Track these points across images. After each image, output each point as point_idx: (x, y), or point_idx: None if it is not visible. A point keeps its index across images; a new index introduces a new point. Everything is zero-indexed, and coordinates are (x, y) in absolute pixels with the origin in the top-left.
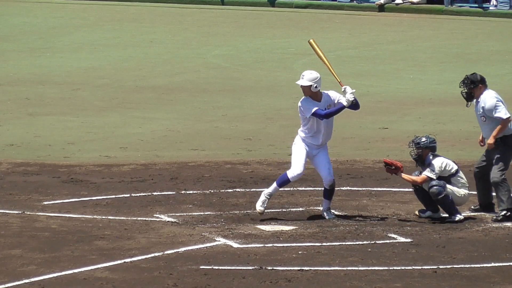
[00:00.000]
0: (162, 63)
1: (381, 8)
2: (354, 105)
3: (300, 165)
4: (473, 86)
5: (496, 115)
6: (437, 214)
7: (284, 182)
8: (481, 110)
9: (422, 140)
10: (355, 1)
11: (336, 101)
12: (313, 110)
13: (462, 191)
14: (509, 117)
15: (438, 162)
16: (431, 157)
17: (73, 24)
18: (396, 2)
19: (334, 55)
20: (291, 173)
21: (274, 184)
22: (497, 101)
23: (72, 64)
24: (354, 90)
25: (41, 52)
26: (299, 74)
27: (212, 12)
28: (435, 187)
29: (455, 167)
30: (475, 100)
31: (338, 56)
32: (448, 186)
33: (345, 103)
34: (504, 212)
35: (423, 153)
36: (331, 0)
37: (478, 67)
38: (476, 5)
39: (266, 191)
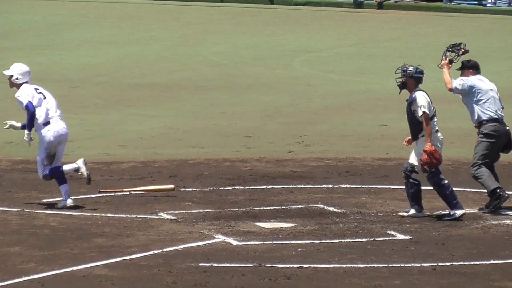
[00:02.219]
0: (161, 60)
1: (380, 5)
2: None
3: None
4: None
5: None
6: (421, 213)
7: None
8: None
9: (409, 68)
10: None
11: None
12: (26, 101)
13: (440, 136)
14: None
15: (421, 97)
16: (413, 95)
17: (72, 21)
18: None
19: (333, 52)
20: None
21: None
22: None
23: (71, 62)
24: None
25: (40, 50)
26: (298, 71)
27: (211, 9)
28: (432, 180)
29: (433, 111)
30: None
31: (337, 54)
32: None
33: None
34: (496, 202)
35: (408, 82)
36: None
37: None
38: (475, 2)
39: None
